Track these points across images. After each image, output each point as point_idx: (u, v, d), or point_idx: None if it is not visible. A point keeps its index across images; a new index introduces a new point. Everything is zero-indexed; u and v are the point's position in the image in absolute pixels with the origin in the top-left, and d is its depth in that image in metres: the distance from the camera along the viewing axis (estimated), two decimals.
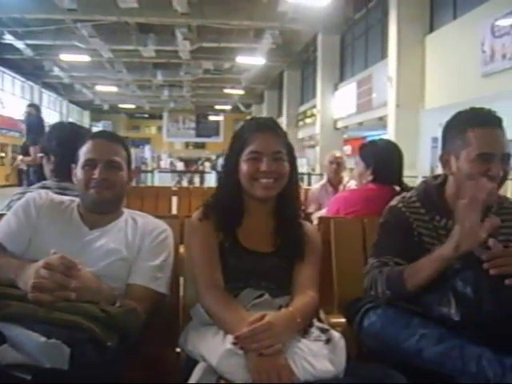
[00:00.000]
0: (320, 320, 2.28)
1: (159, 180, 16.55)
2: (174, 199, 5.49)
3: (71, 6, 14.28)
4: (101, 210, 1.97)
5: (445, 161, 1.94)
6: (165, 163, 29.87)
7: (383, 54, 14.39)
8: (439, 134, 2.04)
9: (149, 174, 16.91)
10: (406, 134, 12.11)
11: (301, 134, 23.22)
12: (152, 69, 25.11)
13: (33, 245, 1.86)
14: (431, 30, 12.53)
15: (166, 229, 2.03)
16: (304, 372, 1.50)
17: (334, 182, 5.04)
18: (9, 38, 18.71)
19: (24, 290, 1.55)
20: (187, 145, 41.93)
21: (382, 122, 14.24)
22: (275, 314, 1.61)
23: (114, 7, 14.52)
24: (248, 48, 19.46)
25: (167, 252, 1.97)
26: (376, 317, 1.75)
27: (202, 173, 21.76)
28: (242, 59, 20.03)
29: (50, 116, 29.80)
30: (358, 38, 17.80)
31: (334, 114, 18.60)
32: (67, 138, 2.48)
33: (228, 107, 36.07)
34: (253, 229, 1.89)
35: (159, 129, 41.40)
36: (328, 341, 1.63)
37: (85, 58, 20.46)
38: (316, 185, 5.91)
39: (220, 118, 38.51)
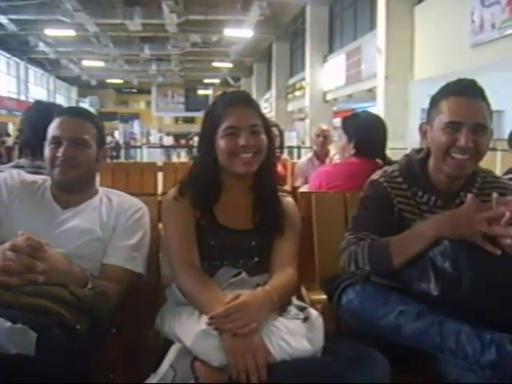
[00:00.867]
0: (301, 297, 2.27)
1: (149, 155, 16.46)
2: (160, 175, 5.43)
3: None
4: (68, 188, 1.91)
5: (423, 131, 1.90)
6: (154, 138, 29.72)
7: (372, 25, 14.24)
8: None
9: (138, 150, 16.82)
10: (396, 106, 12.06)
11: (290, 107, 23.12)
12: (139, 43, 24.80)
13: (5, 226, 1.81)
14: (420, 0, 12.39)
15: (142, 207, 1.99)
16: (280, 351, 1.48)
17: (321, 156, 5.00)
18: None
19: None
20: (177, 119, 41.67)
21: (371, 93, 14.15)
22: (251, 294, 1.58)
23: None
24: (236, 20, 19.23)
25: (143, 231, 1.94)
26: (354, 294, 1.72)
27: (192, 147, 21.66)
28: (229, 32, 19.84)
29: (38, 92, 29.49)
30: (346, 8, 17.61)
31: (324, 86, 18.48)
32: (38, 116, 2.42)
33: (217, 81, 35.82)
34: (230, 206, 1.85)
35: (148, 104, 41.13)
36: (306, 319, 1.61)
37: (70, 33, 20.19)
38: (303, 158, 5.86)
39: (209, 91, 38.24)
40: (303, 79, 20.00)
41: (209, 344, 1.47)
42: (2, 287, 1.45)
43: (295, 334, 1.53)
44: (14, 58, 27.65)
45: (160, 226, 2.09)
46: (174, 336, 1.60)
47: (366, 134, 2.70)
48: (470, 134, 1.73)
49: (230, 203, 1.85)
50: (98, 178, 2.09)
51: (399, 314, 1.61)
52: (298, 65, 22.57)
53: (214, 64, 28.20)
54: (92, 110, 35.79)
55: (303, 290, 2.29)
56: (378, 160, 2.63)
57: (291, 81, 23.22)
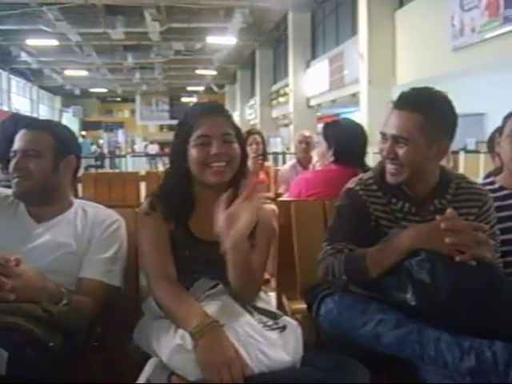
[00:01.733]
0: (282, 306, 2.26)
1: (134, 165, 16.34)
2: (143, 184, 5.40)
3: None
4: (28, 200, 1.90)
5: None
6: (139, 147, 29.60)
7: (354, 31, 14.29)
8: None
9: (123, 159, 16.70)
10: (379, 110, 12.04)
11: (275, 113, 23.13)
12: (122, 51, 24.69)
13: None
14: (401, 5, 12.45)
15: (118, 219, 1.96)
16: (258, 363, 1.46)
17: (304, 162, 5.00)
18: None
19: None
20: (161, 127, 41.48)
21: (354, 98, 14.18)
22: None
23: None
24: (219, 28, 19.21)
25: (119, 243, 1.92)
26: (333, 303, 1.70)
27: None
28: (212, 39, 19.80)
29: (21, 103, 29.27)
30: (328, 15, 17.67)
31: (307, 92, 18.51)
32: (13, 128, 2.39)
33: (201, 88, 35.73)
34: (204, 217, 1.82)
35: (132, 112, 40.88)
36: (284, 328, 1.59)
37: (53, 43, 20.04)
38: (286, 165, 5.86)
39: (193, 99, 38.07)
40: (287, 85, 20.03)
41: (184, 358, 1.45)
42: None
43: (273, 345, 1.51)
44: None
45: None
46: (151, 350, 1.59)
47: (346, 141, 2.70)
48: (392, 144, 1.79)
49: (204, 214, 1.82)
50: (80, 190, 2.07)
51: (378, 323, 1.60)
52: (281, 71, 22.60)
53: (198, 71, 28.14)
54: (75, 119, 35.41)
55: (284, 300, 2.28)
56: (358, 167, 2.62)
57: (275, 87, 23.24)
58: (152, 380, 1.45)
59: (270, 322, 1.62)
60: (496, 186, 2.22)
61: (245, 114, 28.47)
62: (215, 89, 34.35)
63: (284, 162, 14.07)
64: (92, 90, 36.26)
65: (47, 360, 1.38)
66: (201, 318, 1.53)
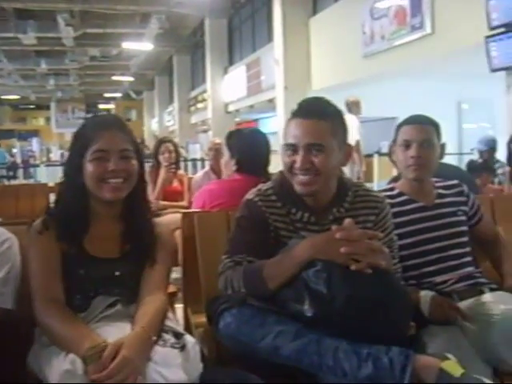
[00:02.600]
0: (187, 319, 2.22)
1: (49, 175, 15.77)
2: (53, 196, 5.20)
3: None
4: None
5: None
6: (55, 155, 28.68)
7: (270, 37, 14.42)
8: None
9: (38, 169, 16.12)
10: None
11: (193, 120, 23.02)
12: (35, 57, 23.87)
13: None
14: (314, 12, 12.67)
15: (9, 237, 1.85)
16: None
17: (216, 169, 4.96)
18: None
19: None
20: None
21: (271, 104, 14.31)
22: (130, 342, 1.49)
23: None
24: (135, 33, 18.95)
25: (10, 263, 1.81)
26: (231, 317, 1.67)
27: None
28: (129, 45, 19.51)
29: None
30: (244, 21, 17.77)
31: (225, 97, 18.54)
32: None
33: (119, 95, 35.11)
34: (100, 234, 1.77)
35: (48, 120, 39.61)
36: (183, 347, 1.56)
37: None
38: (199, 172, 5.82)
39: (111, 106, 37.53)
40: (205, 91, 19.98)
41: None
42: None
43: (171, 365, 1.48)
44: None
45: None
46: (43, 376, 1.52)
47: (248, 150, 2.69)
48: (306, 154, 1.76)
49: (100, 232, 1.78)
50: None
51: (277, 335, 1.58)
52: (199, 77, 22.52)
53: (115, 78, 27.62)
54: None
55: (189, 313, 2.24)
56: (262, 177, 2.60)
57: (193, 93, 23.14)
58: None
59: (172, 340, 1.59)
60: (395, 192, 2.27)
61: (163, 120, 28.21)
62: (133, 95, 33.85)
63: (203, 168, 14.02)
64: (3, 96, 34.94)
65: None
66: (93, 341, 1.47)
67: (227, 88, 18.40)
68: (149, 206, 1.91)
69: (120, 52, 22.34)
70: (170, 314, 1.83)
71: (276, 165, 2.03)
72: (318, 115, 1.78)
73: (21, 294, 1.84)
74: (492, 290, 2.07)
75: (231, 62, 18.73)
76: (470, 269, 2.17)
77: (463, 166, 7.52)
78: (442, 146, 2.24)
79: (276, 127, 13.31)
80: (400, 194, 2.25)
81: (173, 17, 17.62)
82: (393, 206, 2.12)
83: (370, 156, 9.30)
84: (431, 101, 10.07)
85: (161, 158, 5.15)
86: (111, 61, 24.05)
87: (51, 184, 6.09)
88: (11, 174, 18.27)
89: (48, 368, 1.50)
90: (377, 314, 1.55)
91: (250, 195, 1.91)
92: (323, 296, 1.55)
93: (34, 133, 37.03)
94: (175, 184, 5.25)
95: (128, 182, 1.75)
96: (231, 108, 18.34)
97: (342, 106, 7.48)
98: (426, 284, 2.10)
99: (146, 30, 18.43)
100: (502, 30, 6.10)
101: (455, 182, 2.34)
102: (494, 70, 6.33)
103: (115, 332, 1.56)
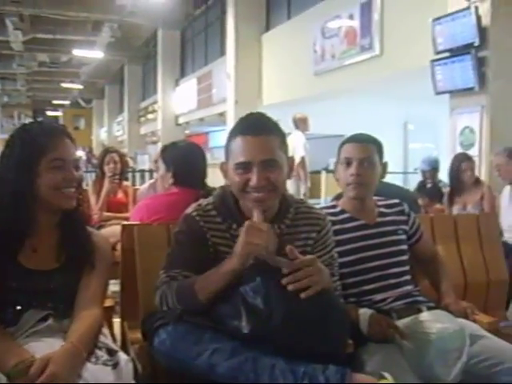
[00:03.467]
0: (124, 335, 2.16)
1: None
2: None
3: None
4: None
5: (224, 171, 1.86)
6: None
7: (222, 51, 14.48)
8: None
9: None
10: None
11: (143, 130, 22.83)
12: None
13: None
14: (267, 29, 12.79)
15: None
16: None
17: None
18: None
19: None
20: None
21: (222, 117, 14.33)
22: (57, 356, 1.43)
23: None
24: (86, 41, 18.70)
25: None
26: (166, 334, 1.63)
27: None
28: (79, 52, 19.23)
29: None
30: (197, 34, 17.78)
31: (176, 109, 18.48)
32: None
33: (67, 102, 34.50)
34: (34, 245, 1.72)
35: None
36: (115, 365, 1.51)
37: None
38: (145, 184, 5.74)
39: (59, 113, 36.83)
40: (155, 102, 19.86)
41: None
42: None
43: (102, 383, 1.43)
44: None
45: None
46: None
47: (184, 163, 2.66)
48: (261, 171, 1.72)
49: (36, 242, 1.72)
50: None
51: (213, 353, 1.55)
52: (150, 88, 22.36)
53: (64, 85, 27.13)
54: None
55: (125, 328, 2.18)
56: (200, 189, 2.56)
57: (144, 104, 22.96)
58: None
59: (105, 357, 1.55)
60: (337, 209, 2.27)
61: (113, 130, 27.84)
62: (82, 103, 33.29)
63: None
64: None
65: None
66: (19, 356, 1.41)
67: (178, 100, 18.34)
68: (86, 214, 1.88)
69: (70, 59, 21.99)
70: (105, 330, 1.78)
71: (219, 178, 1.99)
72: (267, 131, 1.76)
73: None
74: (429, 308, 2.08)
75: (183, 74, 18.70)
76: (409, 287, 2.19)
77: (409, 185, 7.66)
78: (384, 165, 2.26)
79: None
80: (342, 212, 2.26)
81: (125, 26, 17.47)
82: (334, 223, 2.12)
83: (317, 172, 9.39)
84: (379, 120, 10.29)
85: (106, 168, 5.06)
86: (61, 67, 23.65)
87: None
88: None
89: None
90: (314, 332, 1.53)
91: (189, 210, 1.87)
92: (260, 312, 1.53)
93: None
94: (120, 195, 5.16)
95: (77, 191, 1.76)
96: (181, 120, 18.27)
97: (290, 123, 7.64)
98: (365, 302, 2.10)
99: (97, 37, 18.22)
100: (447, 54, 6.26)
101: (396, 201, 2.36)
102: (439, 93, 6.49)
103: (44, 347, 1.50)
